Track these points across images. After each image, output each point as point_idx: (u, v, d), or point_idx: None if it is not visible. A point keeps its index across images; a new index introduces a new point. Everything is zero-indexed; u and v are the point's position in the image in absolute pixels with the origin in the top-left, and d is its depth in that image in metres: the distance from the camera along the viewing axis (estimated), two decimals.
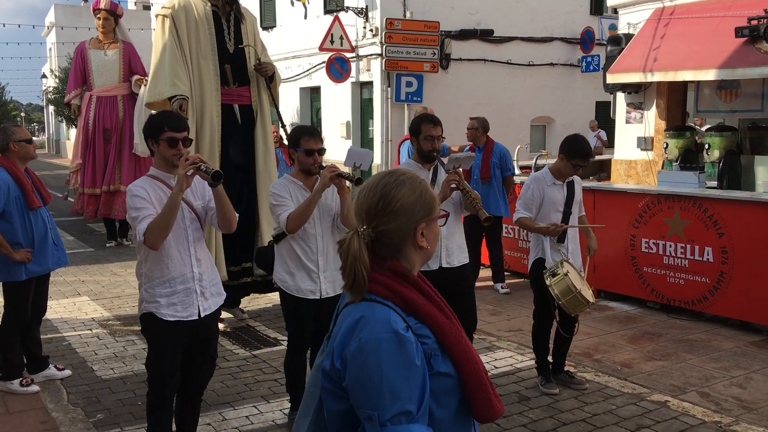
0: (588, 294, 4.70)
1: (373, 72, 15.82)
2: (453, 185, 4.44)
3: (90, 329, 6.70)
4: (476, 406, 1.75)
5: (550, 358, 5.15)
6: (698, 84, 9.50)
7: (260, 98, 6.70)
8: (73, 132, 31.16)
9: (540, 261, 4.92)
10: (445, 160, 4.90)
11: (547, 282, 4.67)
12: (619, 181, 10.28)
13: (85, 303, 7.72)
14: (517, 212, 4.97)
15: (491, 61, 16.77)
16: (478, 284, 6.71)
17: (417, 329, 1.71)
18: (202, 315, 3.62)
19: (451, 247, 4.69)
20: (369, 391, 1.62)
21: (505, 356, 5.75)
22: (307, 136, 4.17)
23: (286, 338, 6.14)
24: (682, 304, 6.76)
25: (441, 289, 4.70)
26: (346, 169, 4.42)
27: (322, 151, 4.23)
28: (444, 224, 1.88)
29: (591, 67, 17.05)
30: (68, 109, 11.50)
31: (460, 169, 4.54)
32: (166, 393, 3.68)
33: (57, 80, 31.45)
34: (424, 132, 4.61)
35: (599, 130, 16.56)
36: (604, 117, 17.18)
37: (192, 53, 6.34)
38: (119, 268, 9.52)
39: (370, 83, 16.11)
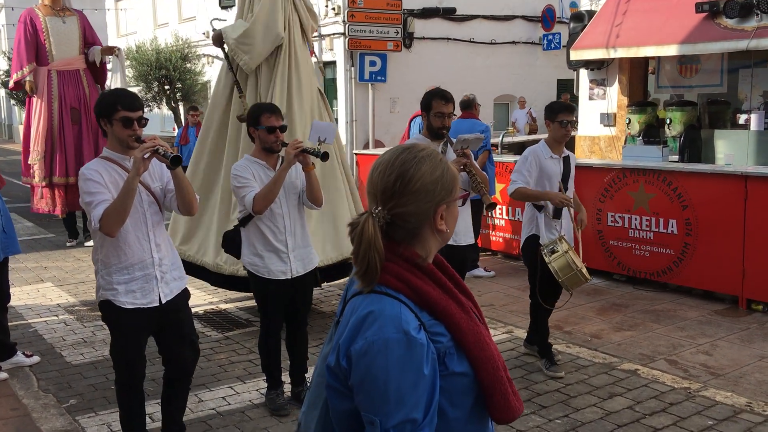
0: (585, 271, 4.69)
1: (336, 51, 15.69)
2: (460, 167, 4.31)
3: (56, 315, 6.57)
4: (494, 407, 1.62)
5: (543, 340, 5.05)
6: (659, 60, 9.66)
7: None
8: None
9: (534, 238, 4.84)
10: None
11: (547, 259, 4.62)
12: (582, 157, 10.41)
13: (48, 289, 7.56)
14: (513, 183, 4.78)
15: (454, 39, 16.75)
16: None
17: (430, 326, 1.57)
18: (164, 301, 3.49)
19: (458, 225, 4.65)
20: (373, 394, 1.51)
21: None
22: (267, 113, 4.08)
23: (258, 320, 6.13)
24: (647, 276, 6.91)
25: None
26: (310, 144, 4.33)
27: (283, 128, 4.15)
28: (462, 204, 1.79)
29: (552, 45, 17.15)
30: (20, 89, 9.83)
31: (469, 150, 4.41)
32: (133, 381, 3.59)
33: (9, 62, 30.47)
34: (434, 108, 4.51)
35: (529, 107, 16.68)
36: (565, 94, 17.32)
37: None
38: (82, 254, 9.34)
39: (333, 63, 15.97)
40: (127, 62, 19.15)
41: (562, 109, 4.75)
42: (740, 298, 6.23)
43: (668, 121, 8.96)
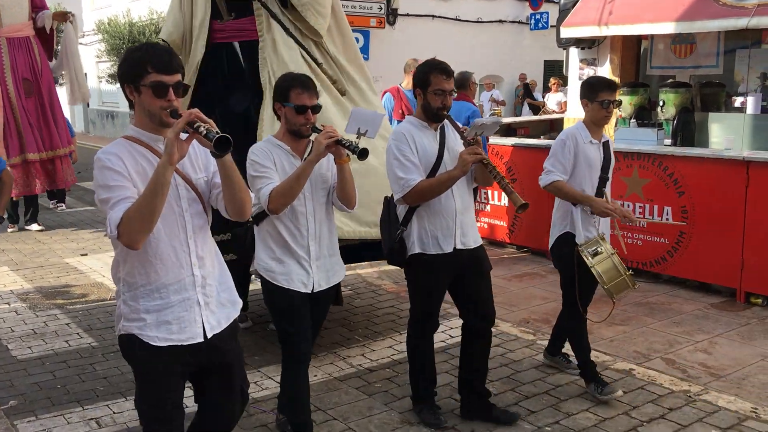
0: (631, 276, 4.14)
1: None
2: (476, 158, 3.51)
3: (8, 303, 6.10)
4: None
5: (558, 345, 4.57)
6: (652, 39, 9.26)
7: (272, 29, 5.11)
8: None
9: (568, 236, 4.12)
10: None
11: (589, 261, 4.01)
12: None
13: (4, 274, 7.08)
14: (549, 174, 4.06)
15: (439, 17, 16.28)
16: None
17: None
18: (209, 335, 2.55)
19: (466, 224, 3.72)
20: None
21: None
22: (299, 89, 3.30)
23: (247, 324, 5.37)
24: (639, 265, 6.54)
25: (454, 274, 3.74)
26: (350, 136, 3.38)
27: (316, 109, 3.34)
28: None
29: (540, 25, 16.76)
30: None
31: (480, 138, 3.65)
32: None
33: None
34: (434, 84, 3.60)
35: (494, 90, 16.16)
36: (551, 76, 16.94)
37: None
38: (44, 236, 8.84)
39: None
40: (99, 36, 18.50)
41: (602, 87, 4.07)
42: (738, 291, 5.89)
43: (661, 104, 8.58)
